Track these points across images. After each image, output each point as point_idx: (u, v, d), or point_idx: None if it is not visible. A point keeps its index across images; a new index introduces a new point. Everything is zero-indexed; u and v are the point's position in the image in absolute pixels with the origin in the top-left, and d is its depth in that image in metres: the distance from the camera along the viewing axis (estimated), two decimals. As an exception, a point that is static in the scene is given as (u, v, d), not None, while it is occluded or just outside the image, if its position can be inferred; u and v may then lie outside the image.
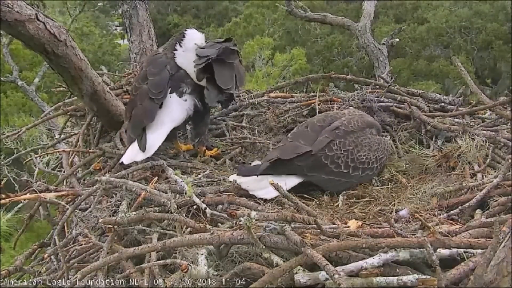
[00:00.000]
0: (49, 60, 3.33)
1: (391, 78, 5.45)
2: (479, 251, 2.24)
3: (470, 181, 3.15)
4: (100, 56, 18.12)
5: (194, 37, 3.59)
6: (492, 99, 4.07)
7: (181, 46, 3.56)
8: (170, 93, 3.48)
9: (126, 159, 3.32)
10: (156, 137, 3.36)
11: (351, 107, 4.02)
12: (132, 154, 3.32)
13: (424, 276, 2.11)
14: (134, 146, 3.34)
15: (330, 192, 3.35)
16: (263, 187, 3.11)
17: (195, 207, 2.86)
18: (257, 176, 3.19)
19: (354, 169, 3.36)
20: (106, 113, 3.81)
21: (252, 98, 4.53)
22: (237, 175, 3.23)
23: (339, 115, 3.63)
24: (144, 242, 2.74)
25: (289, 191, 2.94)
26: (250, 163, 3.71)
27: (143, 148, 3.29)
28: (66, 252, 2.93)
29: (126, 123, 3.69)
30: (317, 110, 4.28)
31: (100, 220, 2.79)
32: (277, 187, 2.74)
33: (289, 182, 3.18)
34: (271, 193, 3.05)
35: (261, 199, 3.07)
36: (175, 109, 3.48)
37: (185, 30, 3.65)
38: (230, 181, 3.16)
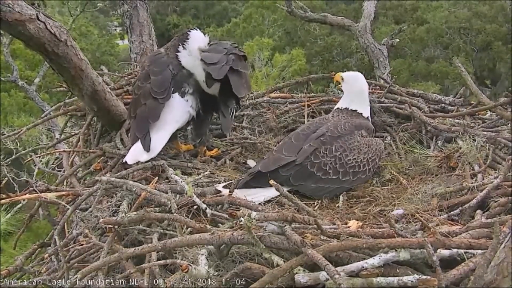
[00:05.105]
0: (50, 60, 3.32)
1: (391, 79, 5.45)
2: (479, 251, 2.24)
3: (470, 181, 3.14)
4: (99, 56, 18.12)
5: (197, 39, 3.54)
6: (491, 100, 4.08)
7: (184, 48, 3.51)
8: (173, 93, 3.46)
9: (130, 159, 3.29)
10: (160, 138, 3.34)
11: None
12: (135, 154, 3.29)
13: (424, 277, 2.11)
14: (138, 146, 3.30)
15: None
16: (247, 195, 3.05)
17: (195, 207, 2.86)
18: (237, 189, 3.08)
19: (344, 174, 3.31)
20: (106, 113, 3.80)
21: (252, 99, 4.54)
22: (223, 187, 3.14)
23: (324, 120, 3.59)
24: (145, 242, 2.73)
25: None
26: (245, 162, 3.73)
27: (147, 149, 3.26)
28: (67, 252, 2.92)
29: (128, 122, 3.69)
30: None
31: (101, 220, 2.78)
32: (277, 187, 2.74)
33: (273, 192, 3.04)
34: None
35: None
36: (178, 109, 3.46)
37: (189, 31, 3.58)
38: (218, 190, 3.11)
